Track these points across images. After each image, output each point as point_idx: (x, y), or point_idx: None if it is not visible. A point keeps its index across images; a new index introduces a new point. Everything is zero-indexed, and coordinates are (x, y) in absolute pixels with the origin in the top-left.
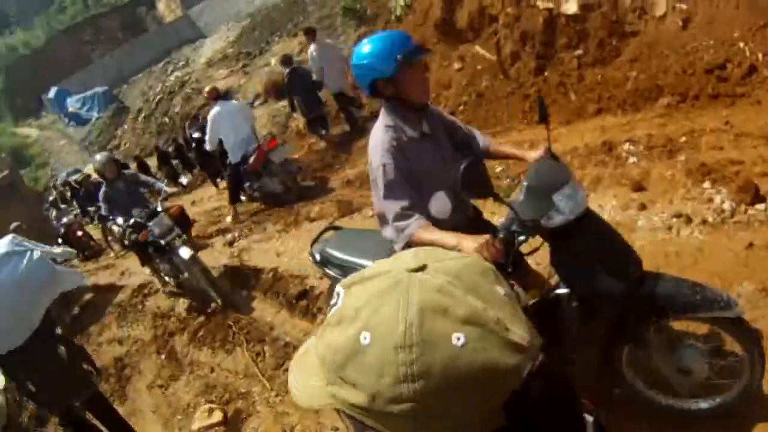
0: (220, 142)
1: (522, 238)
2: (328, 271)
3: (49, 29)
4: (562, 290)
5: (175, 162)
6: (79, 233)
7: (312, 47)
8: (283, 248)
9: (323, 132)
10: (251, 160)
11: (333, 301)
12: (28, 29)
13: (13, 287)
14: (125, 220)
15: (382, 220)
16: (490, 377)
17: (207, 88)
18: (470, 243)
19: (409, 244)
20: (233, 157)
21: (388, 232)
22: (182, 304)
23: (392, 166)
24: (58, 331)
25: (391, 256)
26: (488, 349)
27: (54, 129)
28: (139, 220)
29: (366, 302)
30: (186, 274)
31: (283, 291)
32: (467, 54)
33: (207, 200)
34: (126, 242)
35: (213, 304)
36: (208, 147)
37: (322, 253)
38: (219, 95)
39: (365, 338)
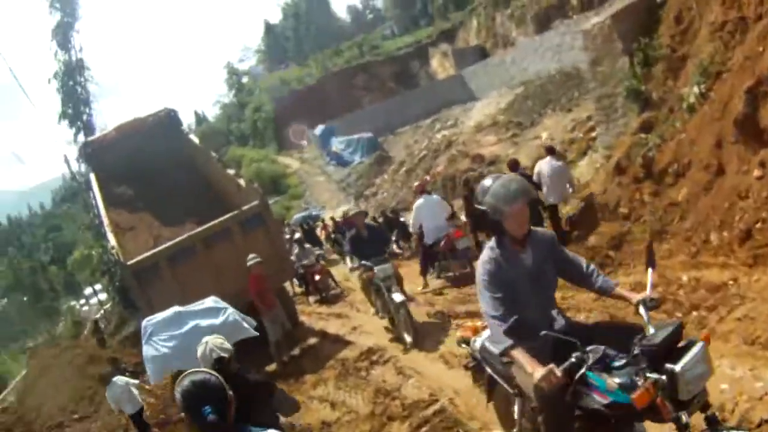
0: (420, 226)
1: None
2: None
3: (324, 69)
4: None
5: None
6: (317, 277)
7: (546, 160)
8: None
9: None
10: (441, 243)
11: None
12: (303, 66)
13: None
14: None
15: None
16: None
17: (416, 183)
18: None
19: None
20: (428, 239)
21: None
22: (412, 388)
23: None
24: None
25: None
26: None
27: (314, 164)
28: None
29: None
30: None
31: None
32: None
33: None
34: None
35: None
36: (411, 229)
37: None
38: (424, 190)
39: None
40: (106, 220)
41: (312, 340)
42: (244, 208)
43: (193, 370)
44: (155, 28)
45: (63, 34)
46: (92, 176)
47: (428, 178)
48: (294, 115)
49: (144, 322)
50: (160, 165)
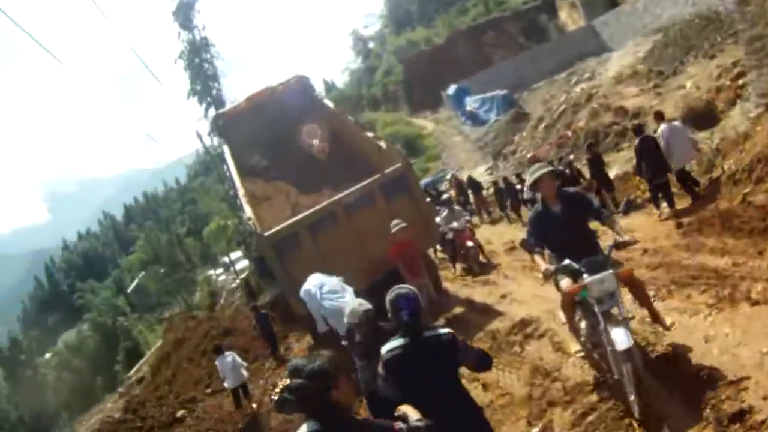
0: None
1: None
2: None
3: (450, 29)
4: None
5: None
6: (469, 243)
7: (662, 126)
8: (713, 332)
9: (665, 206)
10: None
11: None
12: (430, 27)
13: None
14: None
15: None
16: None
17: (528, 154)
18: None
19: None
20: None
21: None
22: (573, 367)
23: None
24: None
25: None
26: None
27: (449, 125)
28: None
29: None
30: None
31: (711, 401)
32: None
33: None
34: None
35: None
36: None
37: None
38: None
39: None
40: (241, 191)
41: (457, 310)
42: (387, 171)
43: (398, 286)
44: (278, 2)
45: (185, 15)
46: (225, 148)
47: (569, 133)
48: (424, 75)
49: (310, 287)
50: (294, 132)
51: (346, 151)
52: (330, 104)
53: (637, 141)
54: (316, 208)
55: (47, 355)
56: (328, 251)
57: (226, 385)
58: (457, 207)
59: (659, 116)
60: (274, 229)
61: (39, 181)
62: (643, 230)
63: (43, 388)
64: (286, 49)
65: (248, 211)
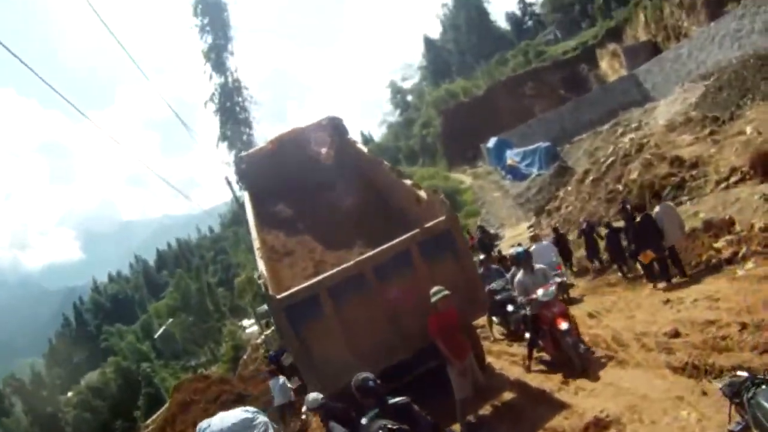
0: None
1: None
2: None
3: (490, 79)
4: None
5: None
6: (563, 325)
7: (657, 208)
8: None
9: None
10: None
11: None
12: (469, 79)
13: None
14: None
15: None
16: None
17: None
18: None
19: None
20: None
21: None
22: None
23: None
24: None
25: None
26: None
27: (489, 179)
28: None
29: None
30: None
31: None
32: None
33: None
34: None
35: None
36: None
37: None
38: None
39: None
40: (256, 243)
41: (507, 395)
42: (428, 225)
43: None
44: (316, 55)
45: (216, 57)
46: (246, 194)
47: (620, 188)
48: (463, 128)
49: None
50: (323, 179)
51: (382, 203)
52: (364, 149)
53: (639, 217)
54: (341, 267)
55: (69, 394)
56: (352, 321)
57: (275, 404)
58: (539, 266)
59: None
60: (289, 292)
61: (75, 219)
62: (730, 299)
63: (63, 425)
64: (322, 101)
65: (261, 266)
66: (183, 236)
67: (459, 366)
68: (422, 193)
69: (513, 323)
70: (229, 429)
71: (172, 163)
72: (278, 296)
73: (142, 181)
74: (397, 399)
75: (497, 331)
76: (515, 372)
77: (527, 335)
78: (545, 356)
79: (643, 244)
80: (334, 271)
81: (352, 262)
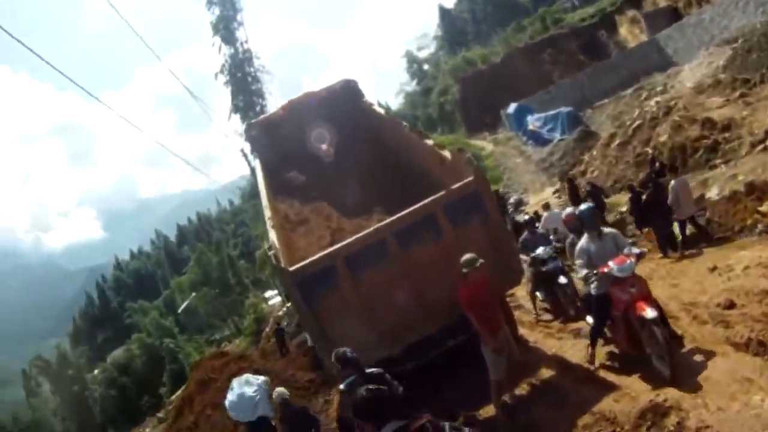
0: None
1: None
2: None
3: (507, 47)
4: None
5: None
6: (649, 311)
7: (673, 182)
8: None
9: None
10: None
11: None
12: (487, 46)
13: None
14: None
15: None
16: None
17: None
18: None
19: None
20: None
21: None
22: None
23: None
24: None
25: None
26: None
27: (510, 145)
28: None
29: None
30: None
31: None
32: None
33: None
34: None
35: None
36: None
37: None
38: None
39: None
40: (267, 212)
41: (545, 372)
42: (454, 187)
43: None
44: (330, 31)
45: (226, 28)
46: (257, 162)
47: (649, 150)
48: (481, 95)
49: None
50: (338, 144)
51: (403, 166)
52: (381, 111)
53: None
54: (359, 235)
55: (95, 372)
56: (372, 294)
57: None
58: (609, 230)
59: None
60: (301, 264)
61: (95, 199)
62: None
63: (89, 403)
64: (338, 75)
65: (272, 236)
66: (203, 211)
67: (493, 343)
68: (446, 153)
69: (567, 301)
70: (239, 383)
71: (190, 139)
72: (290, 268)
73: (160, 158)
74: (373, 369)
75: (539, 307)
76: (550, 345)
77: (589, 320)
78: (613, 349)
79: (646, 218)
80: (352, 239)
81: (371, 229)
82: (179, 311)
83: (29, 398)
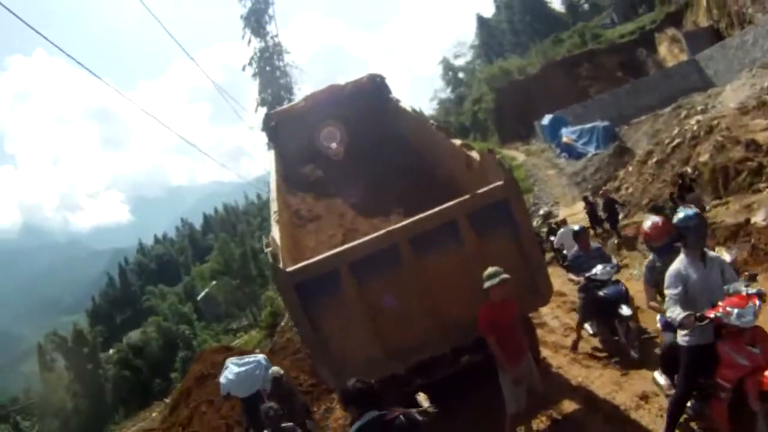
0: None
1: None
2: None
3: (544, 59)
4: None
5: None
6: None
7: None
8: None
9: None
10: None
11: None
12: (524, 57)
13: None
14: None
15: None
16: None
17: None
18: None
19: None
20: None
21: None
22: None
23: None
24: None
25: None
26: None
27: (542, 157)
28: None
29: None
30: None
31: None
32: None
33: None
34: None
35: None
36: None
37: None
38: None
39: None
40: (274, 206)
41: (568, 405)
42: (480, 191)
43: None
44: (369, 34)
45: (256, 21)
46: (271, 152)
47: (689, 170)
48: (516, 105)
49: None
50: (361, 140)
51: (428, 166)
52: (407, 107)
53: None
54: (368, 238)
55: (110, 351)
56: (378, 304)
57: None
58: (713, 253)
59: None
60: (300, 264)
61: (125, 183)
62: None
63: (102, 382)
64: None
65: (275, 232)
66: (231, 203)
67: (514, 373)
68: (474, 154)
69: (631, 338)
70: (237, 364)
71: (223, 132)
72: (288, 269)
73: (192, 148)
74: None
75: (587, 339)
76: (576, 373)
77: (661, 381)
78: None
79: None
80: (360, 241)
81: (382, 231)
82: (198, 298)
83: (43, 372)
